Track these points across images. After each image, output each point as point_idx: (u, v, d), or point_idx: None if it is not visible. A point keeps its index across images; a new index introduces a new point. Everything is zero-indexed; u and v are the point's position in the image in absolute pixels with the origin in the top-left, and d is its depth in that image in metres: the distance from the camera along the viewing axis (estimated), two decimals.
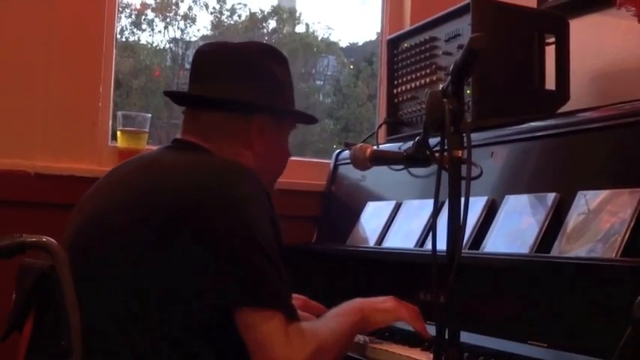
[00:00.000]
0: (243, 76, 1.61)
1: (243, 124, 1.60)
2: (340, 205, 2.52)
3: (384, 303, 1.60)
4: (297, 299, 1.85)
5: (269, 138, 1.64)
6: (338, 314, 1.57)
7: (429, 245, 1.86)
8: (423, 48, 2.22)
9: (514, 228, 1.66)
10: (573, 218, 1.54)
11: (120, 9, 2.61)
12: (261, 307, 1.37)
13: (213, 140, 1.59)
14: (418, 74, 2.24)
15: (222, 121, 1.60)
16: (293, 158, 1.83)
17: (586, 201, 1.54)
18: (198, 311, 1.37)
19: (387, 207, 2.17)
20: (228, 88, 1.59)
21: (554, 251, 1.53)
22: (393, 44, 2.38)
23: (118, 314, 1.38)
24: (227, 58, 1.62)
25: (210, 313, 1.37)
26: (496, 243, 1.68)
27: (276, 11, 3.58)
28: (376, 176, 2.26)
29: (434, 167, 1.46)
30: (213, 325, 1.38)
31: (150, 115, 2.50)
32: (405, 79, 2.31)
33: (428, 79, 2.18)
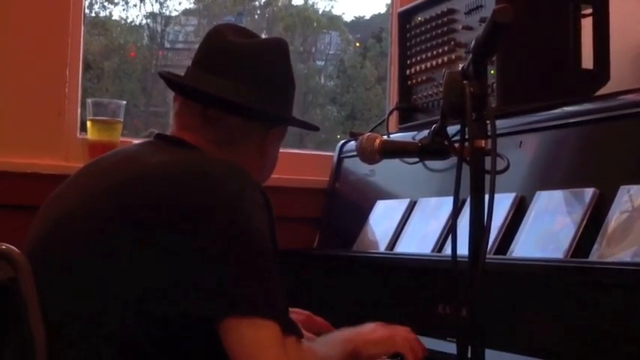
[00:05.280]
0: (270, 82, 1.66)
1: (259, 135, 1.67)
2: (345, 205, 2.51)
3: (374, 333, 1.61)
4: (300, 314, 1.85)
5: (276, 149, 1.73)
6: (327, 342, 1.59)
7: (448, 250, 1.86)
8: (439, 22, 2.22)
9: (546, 229, 1.66)
10: (615, 217, 1.54)
11: None
12: (253, 316, 1.38)
13: (219, 145, 1.61)
14: (434, 52, 2.23)
15: (238, 129, 1.65)
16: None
17: (630, 197, 1.54)
18: (176, 320, 1.38)
19: (399, 206, 2.17)
20: (252, 94, 1.63)
21: (593, 256, 1.53)
22: (406, 18, 2.38)
23: (89, 326, 1.39)
24: (253, 59, 1.65)
25: (188, 321, 1.38)
26: (526, 247, 1.68)
27: None
28: (387, 171, 2.26)
29: (453, 160, 1.46)
30: (186, 334, 1.40)
31: (124, 102, 2.50)
32: (419, 58, 2.30)
33: (446, 58, 2.18)
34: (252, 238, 1.42)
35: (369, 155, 1.66)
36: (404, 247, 2.06)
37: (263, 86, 1.64)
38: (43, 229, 1.53)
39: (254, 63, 1.65)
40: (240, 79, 1.63)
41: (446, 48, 2.18)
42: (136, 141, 2.13)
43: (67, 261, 1.44)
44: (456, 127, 1.37)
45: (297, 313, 1.85)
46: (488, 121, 1.30)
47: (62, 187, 1.61)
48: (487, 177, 1.28)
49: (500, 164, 1.33)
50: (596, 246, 1.54)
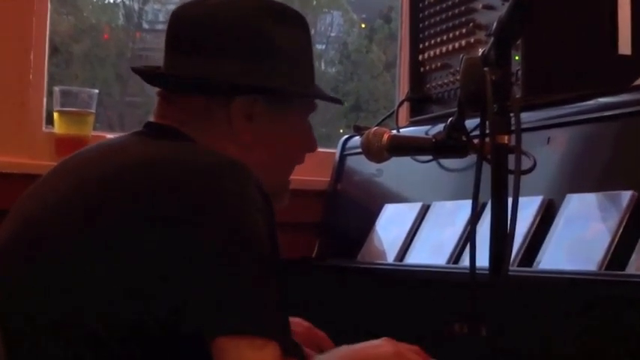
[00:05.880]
0: (229, 48, 1.63)
1: (222, 110, 1.63)
2: (349, 209, 2.52)
3: (380, 348, 1.62)
4: (299, 325, 1.86)
5: (263, 125, 1.66)
6: None
7: (465, 261, 1.86)
8: (457, 0, 2.22)
9: (578, 237, 1.67)
10: None
11: None
12: (251, 335, 1.38)
13: (193, 128, 1.61)
14: (451, 35, 2.24)
15: (199, 107, 1.63)
16: None
17: None
18: (160, 332, 1.39)
19: (410, 211, 2.17)
20: (208, 64, 1.62)
21: (631, 267, 1.53)
22: None
23: (62, 331, 1.41)
24: (210, 24, 1.64)
25: (175, 335, 1.39)
26: (554, 257, 1.69)
27: None
28: (396, 170, 2.26)
29: (472, 158, 1.46)
30: (173, 349, 1.40)
31: (97, 90, 2.50)
32: (433, 42, 2.31)
33: (464, 42, 2.19)
34: (250, 245, 1.41)
35: (376, 152, 1.66)
36: (415, 257, 2.06)
37: (223, 53, 1.62)
38: (11, 231, 1.54)
39: (209, 28, 1.64)
40: (195, 50, 1.63)
41: (464, 30, 2.19)
42: (110, 135, 2.14)
43: (38, 263, 1.45)
44: (476, 121, 1.37)
45: (296, 325, 1.86)
46: (512, 114, 1.30)
47: (35, 186, 1.62)
48: (510, 177, 1.28)
49: (526, 163, 1.34)
50: (634, 256, 1.54)
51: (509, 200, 1.27)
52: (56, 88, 2.45)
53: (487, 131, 1.31)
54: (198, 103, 1.63)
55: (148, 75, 1.72)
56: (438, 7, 2.29)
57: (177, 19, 1.68)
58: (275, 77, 1.66)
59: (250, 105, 1.63)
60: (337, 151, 2.61)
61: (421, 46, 2.36)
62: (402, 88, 2.84)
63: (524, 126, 1.30)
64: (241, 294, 1.39)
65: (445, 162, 2.08)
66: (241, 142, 1.64)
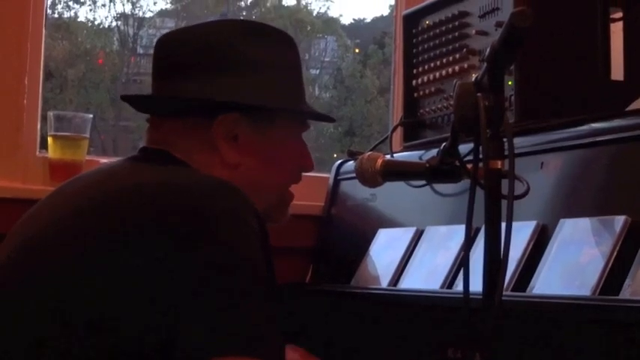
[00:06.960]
0: (206, 68, 1.64)
1: (206, 131, 1.63)
2: (342, 234, 2.52)
3: None
4: (295, 352, 1.86)
5: (249, 144, 1.66)
6: None
7: (459, 286, 1.86)
8: (450, 26, 2.23)
9: (571, 262, 1.67)
10: None
11: None
12: (242, 356, 1.38)
13: (182, 151, 1.62)
14: (444, 60, 2.24)
15: (184, 129, 1.64)
16: None
17: None
18: (151, 356, 1.38)
19: (404, 235, 2.17)
20: (187, 85, 1.63)
21: (625, 292, 1.53)
22: (412, 21, 2.39)
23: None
24: (188, 47, 1.66)
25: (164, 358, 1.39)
26: (548, 282, 1.69)
27: None
28: (390, 195, 2.26)
29: (465, 183, 1.47)
30: None
31: (91, 115, 2.51)
32: (427, 67, 2.32)
33: (457, 67, 2.19)
34: (243, 267, 1.41)
35: (370, 177, 1.67)
36: (409, 282, 2.06)
37: (197, 73, 1.64)
38: (7, 256, 1.54)
39: (183, 49, 1.66)
40: (171, 73, 1.66)
41: (457, 55, 2.19)
42: (104, 160, 2.14)
43: (34, 287, 1.45)
44: (469, 146, 1.38)
45: (291, 351, 1.86)
46: (505, 139, 1.30)
47: (32, 211, 1.63)
48: (504, 202, 1.29)
49: (519, 188, 1.34)
50: (628, 281, 1.54)
51: (503, 225, 1.27)
52: (50, 113, 2.46)
53: (480, 156, 1.31)
54: (182, 125, 1.64)
55: (133, 101, 1.74)
56: (431, 33, 2.30)
57: (157, 46, 1.71)
58: (253, 93, 1.65)
59: (233, 124, 1.63)
60: (331, 175, 2.61)
61: (415, 71, 2.37)
62: (396, 112, 2.85)
63: (517, 151, 1.30)
64: (234, 315, 1.39)
65: (439, 187, 2.08)
66: (227, 162, 1.64)
